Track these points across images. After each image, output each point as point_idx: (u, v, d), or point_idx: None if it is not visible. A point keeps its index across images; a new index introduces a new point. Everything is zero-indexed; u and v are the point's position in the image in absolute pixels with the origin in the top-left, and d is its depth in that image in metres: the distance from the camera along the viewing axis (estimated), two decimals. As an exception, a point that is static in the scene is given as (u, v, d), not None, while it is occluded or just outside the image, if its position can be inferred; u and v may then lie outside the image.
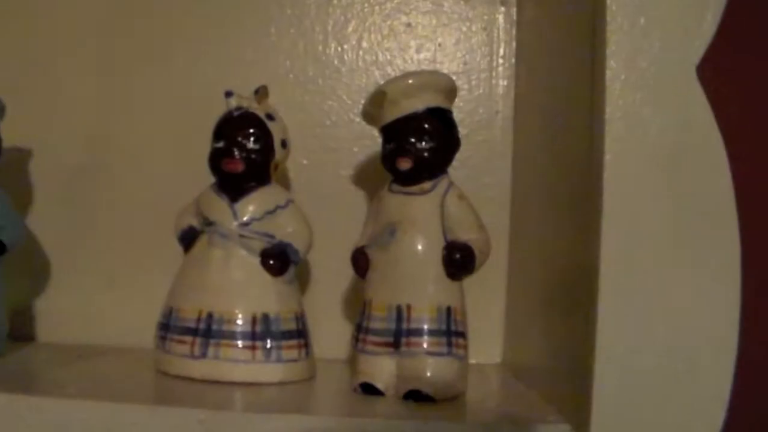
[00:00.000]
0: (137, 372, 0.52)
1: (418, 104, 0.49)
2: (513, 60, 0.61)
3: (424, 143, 0.49)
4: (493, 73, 0.61)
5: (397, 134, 0.49)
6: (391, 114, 0.49)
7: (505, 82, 0.61)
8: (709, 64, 0.40)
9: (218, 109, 0.54)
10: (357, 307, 0.57)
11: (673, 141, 0.41)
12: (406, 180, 0.49)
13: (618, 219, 0.41)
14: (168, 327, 0.51)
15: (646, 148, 0.41)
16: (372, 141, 0.60)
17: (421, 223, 0.48)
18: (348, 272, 0.55)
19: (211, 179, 0.55)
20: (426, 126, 0.49)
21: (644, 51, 0.41)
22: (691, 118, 0.41)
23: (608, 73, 0.41)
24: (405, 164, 0.49)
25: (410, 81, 0.49)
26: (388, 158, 0.50)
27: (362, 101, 0.60)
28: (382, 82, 0.59)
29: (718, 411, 0.41)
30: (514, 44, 0.61)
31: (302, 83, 0.62)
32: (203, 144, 0.54)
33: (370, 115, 0.51)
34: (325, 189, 0.61)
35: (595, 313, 0.41)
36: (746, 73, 0.54)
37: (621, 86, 0.41)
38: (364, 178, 0.61)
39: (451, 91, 0.51)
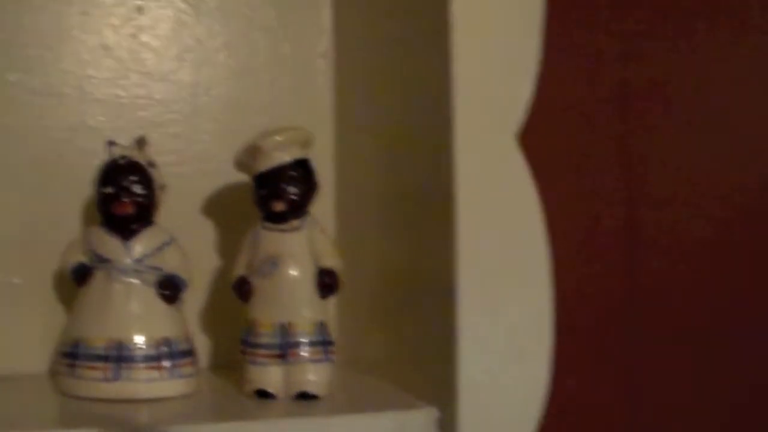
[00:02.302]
0: (41, 398, 0.59)
1: (286, 156, 0.60)
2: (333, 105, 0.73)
3: (293, 188, 0.60)
4: (318, 116, 0.73)
5: (270, 181, 0.60)
6: (265, 164, 0.60)
7: (328, 124, 0.73)
8: (528, 131, 0.55)
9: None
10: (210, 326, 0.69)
11: (501, 193, 0.55)
12: (278, 219, 0.60)
13: (470, 246, 0.54)
14: (76, 356, 0.58)
15: (484, 199, 0.55)
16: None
17: (297, 255, 0.60)
18: (198, 296, 0.67)
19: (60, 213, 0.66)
20: (294, 174, 0.60)
21: (478, 119, 0.55)
22: (513, 177, 0.55)
23: (457, 141, 0.54)
24: (279, 206, 0.60)
25: (281, 137, 0.60)
26: (262, 201, 0.60)
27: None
28: (233, 128, 0.69)
29: (540, 386, 0.56)
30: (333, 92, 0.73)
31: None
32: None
33: (243, 164, 0.61)
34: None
35: (455, 314, 0.54)
36: (562, 137, 0.70)
37: (470, 144, 0.55)
38: (213, 212, 0.71)
39: (311, 143, 0.62)
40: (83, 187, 0.66)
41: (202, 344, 0.68)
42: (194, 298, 0.68)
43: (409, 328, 0.61)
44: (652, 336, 0.74)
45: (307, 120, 0.70)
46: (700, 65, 0.77)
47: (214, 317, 0.70)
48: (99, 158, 0.62)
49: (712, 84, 0.77)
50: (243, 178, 0.63)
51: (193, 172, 0.71)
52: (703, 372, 0.76)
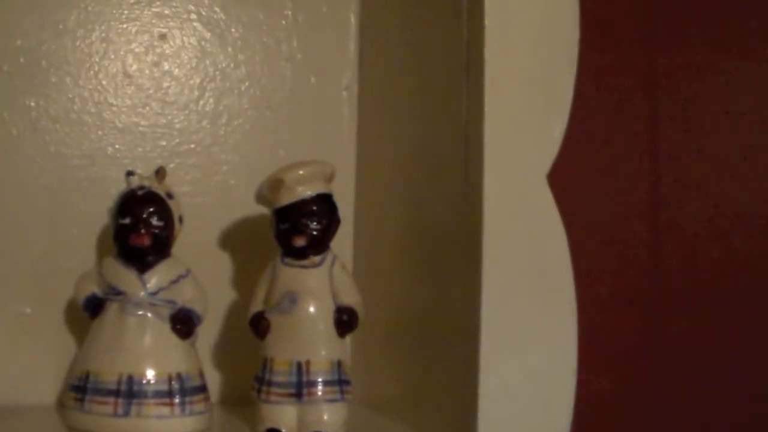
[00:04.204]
0: (48, 431, 0.58)
1: (308, 190, 0.59)
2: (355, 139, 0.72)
3: (314, 223, 0.59)
4: (340, 149, 0.72)
5: (292, 216, 0.59)
6: (287, 198, 0.59)
7: (350, 157, 0.72)
8: (558, 172, 0.53)
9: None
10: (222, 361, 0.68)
11: (529, 233, 0.54)
12: (299, 254, 0.59)
13: (495, 287, 0.53)
14: (85, 389, 0.57)
15: (511, 239, 0.53)
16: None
17: (316, 292, 0.58)
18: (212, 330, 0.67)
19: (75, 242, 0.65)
20: (315, 208, 0.59)
21: (509, 158, 0.54)
22: (542, 217, 0.54)
23: (486, 187, 0.53)
24: (300, 242, 0.58)
25: (304, 171, 0.59)
26: (283, 236, 0.59)
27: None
28: (254, 160, 0.69)
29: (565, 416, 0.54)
30: (356, 125, 0.72)
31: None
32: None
33: (265, 198, 0.60)
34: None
35: (477, 356, 0.53)
36: (591, 178, 0.69)
37: (500, 184, 0.53)
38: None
39: (333, 177, 0.61)
40: (99, 216, 0.65)
41: (214, 379, 0.67)
42: (208, 332, 0.67)
43: (428, 369, 0.60)
44: (679, 384, 0.72)
45: (329, 153, 0.68)
46: (732, 100, 0.76)
47: (227, 352, 0.68)
48: (117, 187, 0.61)
49: (745, 118, 0.75)
50: (262, 210, 0.62)
51: (211, 203, 0.69)
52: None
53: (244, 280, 0.68)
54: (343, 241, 0.70)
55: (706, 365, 0.73)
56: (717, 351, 0.74)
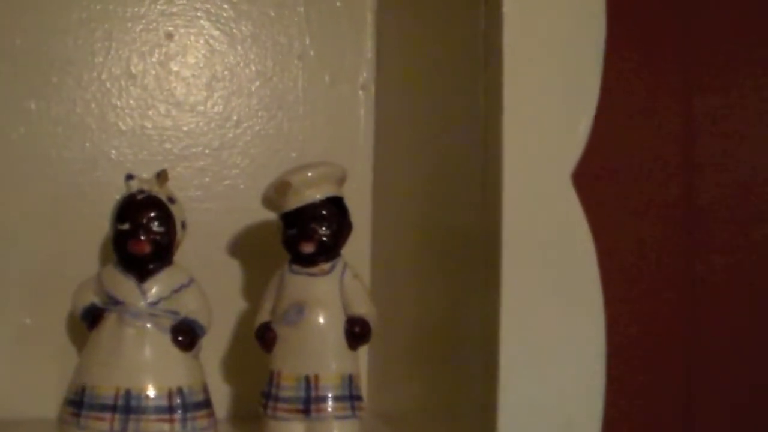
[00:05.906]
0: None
1: (317, 194, 0.56)
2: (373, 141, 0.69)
3: (324, 228, 0.55)
4: (356, 152, 0.68)
5: (299, 220, 0.55)
6: (295, 202, 0.56)
7: (367, 160, 0.69)
8: (583, 171, 0.49)
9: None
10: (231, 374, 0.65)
11: (553, 237, 0.50)
12: (307, 262, 0.56)
13: (515, 295, 0.49)
14: (81, 404, 0.54)
15: (533, 244, 0.50)
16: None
17: (325, 302, 0.55)
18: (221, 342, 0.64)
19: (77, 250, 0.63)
20: (324, 213, 0.56)
21: (530, 157, 0.50)
22: (567, 220, 0.50)
23: (505, 188, 0.49)
24: (308, 248, 0.55)
25: (312, 173, 0.56)
26: (290, 242, 0.56)
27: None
28: (265, 164, 0.66)
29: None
30: (373, 126, 0.69)
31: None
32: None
33: (272, 201, 0.57)
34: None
35: (496, 371, 0.49)
36: (616, 177, 0.65)
37: (520, 184, 0.49)
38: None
39: (344, 180, 0.57)
40: (103, 222, 0.61)
41: (224, 393, 0.64)
42: (216, 344, 0.63)
43: (446, 383, 0.56)
44: (716, 399, 0.68)
45: (345, 156, 0.65)
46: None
47: (236, 365, 0.65)
48: (120, 192, 0.58)
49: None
50: (274, 216, 0.58)
51: (220, 208, 0.66)
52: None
53: (255, 288, 0.64)
54: (361, 248, 0.67)
55: (745, 378, 0.69)
56: (759, 361, 0.69)
